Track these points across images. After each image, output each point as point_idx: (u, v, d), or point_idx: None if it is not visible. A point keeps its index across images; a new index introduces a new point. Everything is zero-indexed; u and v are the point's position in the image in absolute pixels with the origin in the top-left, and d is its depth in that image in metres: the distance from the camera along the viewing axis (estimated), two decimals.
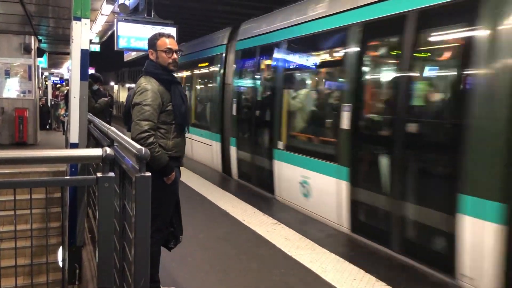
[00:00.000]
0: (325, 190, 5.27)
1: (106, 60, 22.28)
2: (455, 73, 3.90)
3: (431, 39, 4.30)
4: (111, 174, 1.97)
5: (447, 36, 4.07)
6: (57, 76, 24.46)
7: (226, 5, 11.63)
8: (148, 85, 3.05)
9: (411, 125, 4.09)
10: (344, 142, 4.94)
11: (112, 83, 44.27)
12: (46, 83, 20.06)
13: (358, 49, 4.87)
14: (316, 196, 5.51)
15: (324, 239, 4.72)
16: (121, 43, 8.40)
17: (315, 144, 5.86)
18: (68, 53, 10.79)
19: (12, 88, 10.76)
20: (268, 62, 7.08)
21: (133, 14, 8.84)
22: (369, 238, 4.61)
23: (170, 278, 3.60)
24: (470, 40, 3.61)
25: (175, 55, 3.16)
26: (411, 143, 4.13)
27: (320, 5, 5.71)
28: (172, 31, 8.29)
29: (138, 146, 2.07)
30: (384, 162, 4.48)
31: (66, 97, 7.10)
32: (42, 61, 13.48)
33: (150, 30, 7.94)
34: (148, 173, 1.93)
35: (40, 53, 11.48)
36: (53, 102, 16.49)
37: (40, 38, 11.74)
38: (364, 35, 4.80)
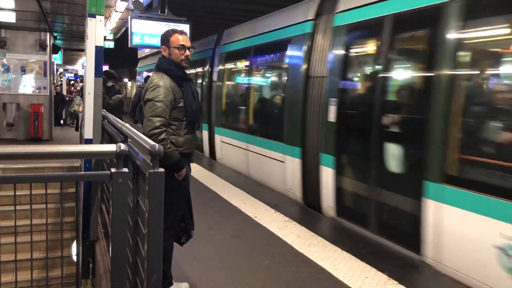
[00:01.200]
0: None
1: (120, 57, 22.43)
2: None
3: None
4: (125, 169, 1.96)
5: None
6: (71, 72, 24.69)
7: (238, 3, 11.63)
8: (160, 81, 3.06)
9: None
10: None
11: (125, 80, 44.57)
12: (61, 79, 20.28)
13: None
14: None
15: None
16: (135, 40, 8.45)
17: None
18: (83, 50, 10.88)
19: (28, 84, 10.90)
20: None
21: (147, 11, 8.89)
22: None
23: (182, 274, 3.62)
24: None
25: (187, 52, 3.17)
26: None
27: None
28: (186, 28, 8.32)
29: (152, 142, 2.08)
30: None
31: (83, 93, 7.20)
32: (57, 58, 13.62)
33: (164, 27, 7.98)
34: (162, 169, 1.93)
35: (55, 49, 11.60)
36: (67, 98, 16.67)
37: (55, 34, 11.87)
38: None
